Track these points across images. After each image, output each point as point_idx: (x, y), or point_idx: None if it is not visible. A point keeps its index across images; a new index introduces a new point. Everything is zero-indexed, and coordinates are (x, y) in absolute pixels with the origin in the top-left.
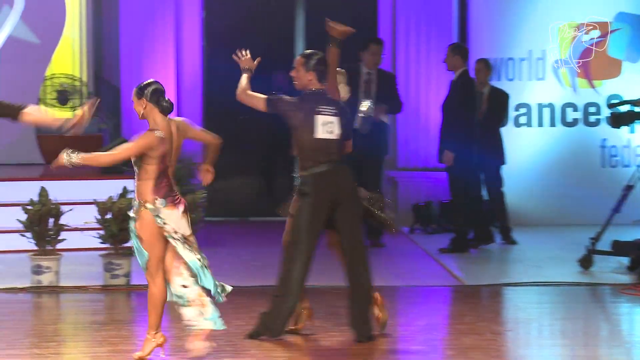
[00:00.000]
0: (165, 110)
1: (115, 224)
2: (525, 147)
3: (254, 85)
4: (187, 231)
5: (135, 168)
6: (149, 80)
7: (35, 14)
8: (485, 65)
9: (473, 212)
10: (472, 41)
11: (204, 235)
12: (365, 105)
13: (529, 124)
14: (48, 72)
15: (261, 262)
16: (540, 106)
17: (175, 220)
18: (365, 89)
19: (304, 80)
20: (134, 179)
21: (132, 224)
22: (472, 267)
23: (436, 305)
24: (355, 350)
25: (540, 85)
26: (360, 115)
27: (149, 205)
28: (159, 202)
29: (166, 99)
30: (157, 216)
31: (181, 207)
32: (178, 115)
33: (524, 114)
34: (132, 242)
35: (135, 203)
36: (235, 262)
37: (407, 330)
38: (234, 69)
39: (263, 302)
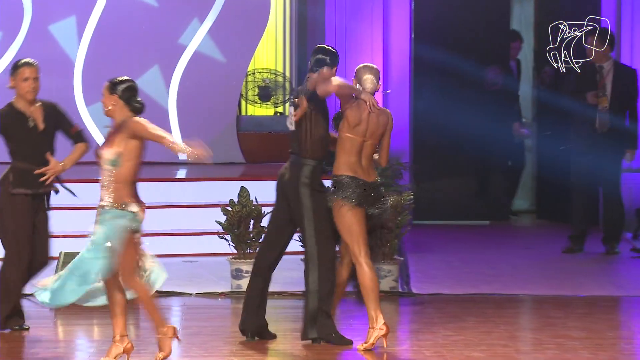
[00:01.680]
0: (137, 110)
1: None
2: None
3: (468, 79)
4: None
5: (110, 167)
6: (123, 77)
7: (236, 15)
8: None
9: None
10: None
11: (411, 240)
12: (603, 102)
13: None
14: (250, 67)
15: (472, 269)
16: None
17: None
18: (600, 84)
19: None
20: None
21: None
22: None
23: None
24: None
25: None
26: (599, 112)
27: (131, 208)
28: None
29: (138, 99)
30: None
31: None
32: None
33: None
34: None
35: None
36: (443, 268)
37: (630, 343)
38: (444, 62)
39: (474, 311)
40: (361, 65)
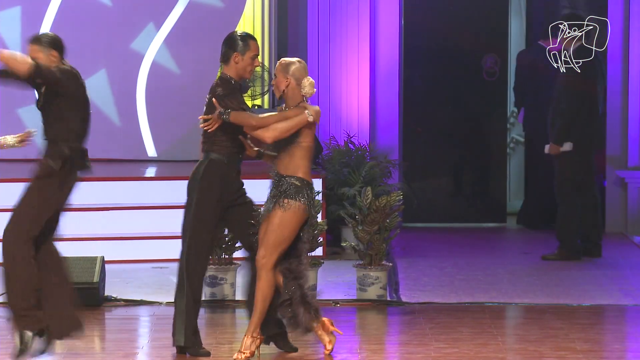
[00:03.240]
0: None
1: None
2: None
3: (464, 69)
4: None
5: None
6: None
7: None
8: None
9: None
10: None
11: (401, 243)
12: None
13: None
14: None
15: (466, 276)
16: None
17: None
18: None
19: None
20: None
21: None
22: None
23: None
24: None
25: None
26: None
27: None
28: None
29: None
30: None
31: None
32: (372, 102)
33: None
34: None
35: None
36: (436, 274)
37: (639, 357)
38: (436, 50)
39: (469, 322)
40: (293, 60)
